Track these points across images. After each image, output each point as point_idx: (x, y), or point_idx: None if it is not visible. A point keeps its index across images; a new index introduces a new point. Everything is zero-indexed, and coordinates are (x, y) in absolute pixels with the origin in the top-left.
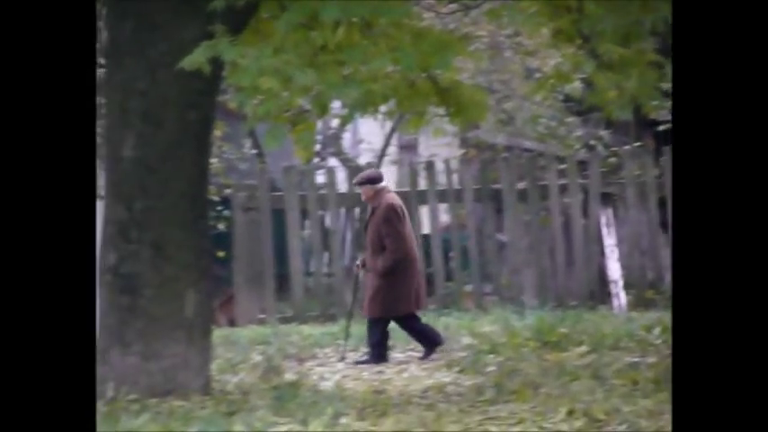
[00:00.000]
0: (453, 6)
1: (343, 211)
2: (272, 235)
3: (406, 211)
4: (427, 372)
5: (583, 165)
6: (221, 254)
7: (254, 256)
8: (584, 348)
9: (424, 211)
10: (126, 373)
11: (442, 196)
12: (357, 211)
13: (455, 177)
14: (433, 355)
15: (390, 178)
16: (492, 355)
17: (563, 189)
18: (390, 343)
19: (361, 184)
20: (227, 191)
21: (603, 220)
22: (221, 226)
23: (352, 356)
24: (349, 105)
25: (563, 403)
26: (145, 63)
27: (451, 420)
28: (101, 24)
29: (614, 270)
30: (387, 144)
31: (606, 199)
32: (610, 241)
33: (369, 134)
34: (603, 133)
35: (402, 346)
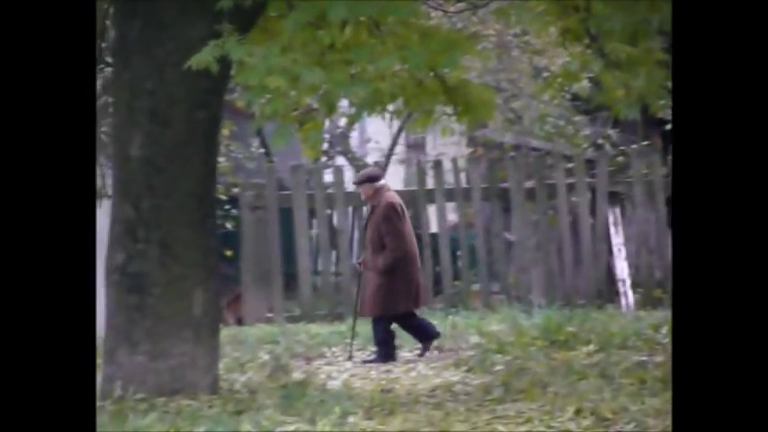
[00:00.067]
0: (461, 5)
1: (350, 210)
2: (279, 234)
3: (405, 210)
4: (435, 371)
5: (590, 164)
6: (229, 253)
7: (262, 255)
8: (591, 347)
9: (432, 210)
10: (134, 372)
11: (450, 195)
12: (365, 210)
13: (463, 176)
14: (439, 353)
15: (398, 177)
16: (500, 354)
17: (571, 188)
18: (397, 342)
19: (360, 182)
20: (235, 190)
21: (611, 218)
22: (229, 225)
23: (359, 355)
24: (356, 104)
25: (571, 402)
26: (152, 62)
27: (459, 419)
28: (108, 23)
29: (622, 269)
30: (394, 143)
31: (614, 198)
32: (617, 240)
33: (376, 133)
34: (611, 132)
35: (410, 345)
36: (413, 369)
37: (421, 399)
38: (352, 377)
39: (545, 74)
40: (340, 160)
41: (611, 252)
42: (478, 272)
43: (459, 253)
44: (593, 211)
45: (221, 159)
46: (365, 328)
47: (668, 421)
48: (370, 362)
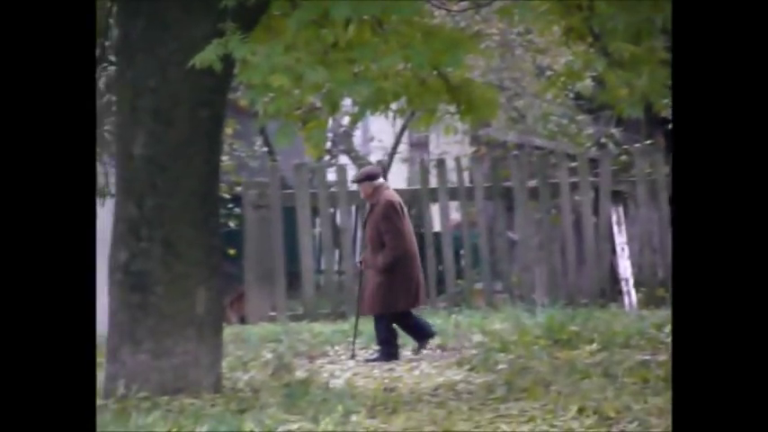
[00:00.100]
0: (464, 4)
1: (353, 208)
2: (282, 233)
3: (404, 208)
4: (438, 369)
5: (594, 163)
6: (232, 251)
7: (265, 253)
8: (594, 346)
9: (435, 209)
10: (137, 370)
11: (453, 194)
12: (367, 208)
13: (466, 175)
14: (442, 352)
15: (401, 176)
16: (503, 353)
17: (574, 187)
18: (400, 341)
19: (359, 181)
20: (238, 188)
21: (614, 218)
22: (232, 224)
23: (362, 354)
24: (360, 103)
25: (574, 401)
26: (156, 61)
27: (462, 418)
28: (112, 22)
29: (625, 268)
30: (397, 142)
31: (617, 197)
32: (620, 239)
33: (379, 132)
34: (614, 131)
35: (412, 344)
36: (416, 368)
37: (424, 397)
38: (354, 376)
39: (548, 73)
40: (343, 159)
41: (614, 251)
42: (481, 271)
43: (462, 252)
44: (596, 210)
45: (224, 158)
46: (368, 326)
47: (671, 420)
48: (373, 360)
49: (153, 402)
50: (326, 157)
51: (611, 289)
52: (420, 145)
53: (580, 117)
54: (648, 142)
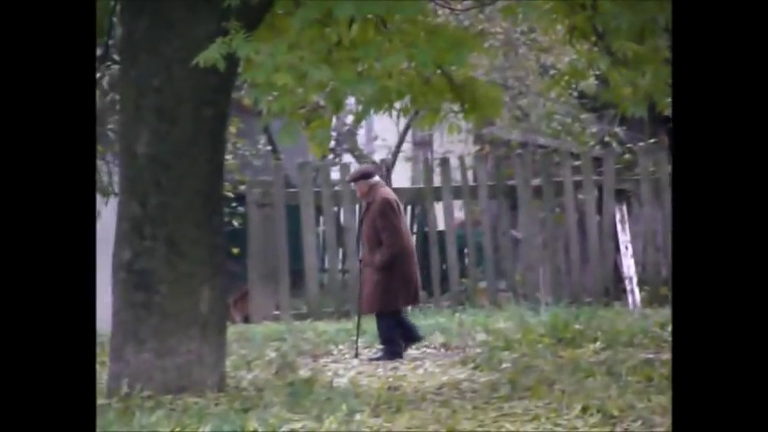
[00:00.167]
0: (468, 3)
1: (357, 207)
2: (286, 231)
3: (401, 206)
4: (442, 368)
5: (597, 161)
6: (236, 250)
7: (269, 252)
8: (598, 345)
9: (439, 208)
10: (140, 369)
11: (457, 193)
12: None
13: (470, 174)
14: (446, 351)
15: (405, 175)
16: (507, 352)
17: (577, 186)
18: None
19: (355, 180)
20: (242, 187)
21: (618, 216)
22: (236, 222)
23: (366, 353)
24: (363, 102)
25: (577, 400)
26: (160, 60)
27: (466, 417)
28: (115, 21)
29: (629, 267)
30: (401, 141)
31: (621, 195)
32: (624, 238)
33: (383, 131)
34: (618, 130)
35: (417, 342)
36: (420, 366)
37: (428, 396)
38: (358, 375)
39: (552, 71)
40: (347, 158)
41: (617, 250)
42: (485, 269)
43: (466, 250)
44: (599, 209)
45: (228, 157)
46: (371, 325)
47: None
48: (377, 359)
49: (156, 401)
50: (330, 156)
51: (614, 287)
52: (424, 144)
53: (584, 116)
54: (652, 141)
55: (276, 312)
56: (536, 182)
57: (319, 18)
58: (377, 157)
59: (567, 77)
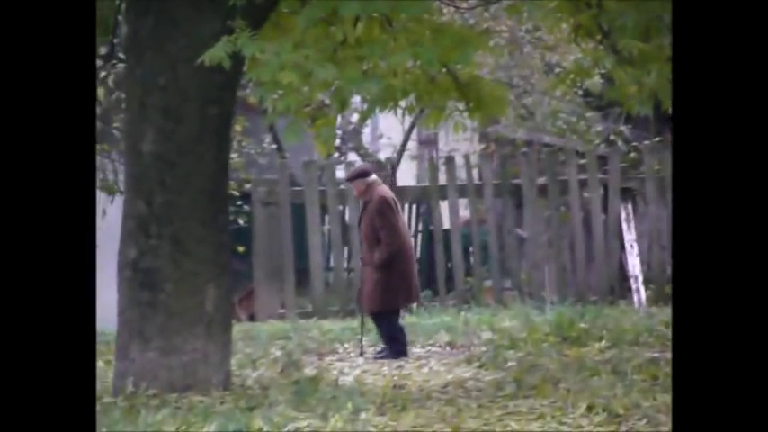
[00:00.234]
0: (473, 2)
1: (361, 206)
2: (291, 230)
3: (398, 204)
4: (447, 367)
5: (603, 160)
6: (241, 249)
7: (274, 251)
8: (603, 344)
9: (444, 207)
10: (146, 367)
11: (462, 191)
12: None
13: (475, 172)
14: (451, 349)
15: (410, 173)
16: (512, 351)
17: (583, 184)
18: (409, 338)
19: (352, 179)
20: (247, 186)
21: (623, 215)
22: (241, 221)
23: (371, 351)
24: (369, 100)
25: (583, 398)
26: (165, 58)
27: (471, 415)
28: (121, 19)
29: (634, 265)
30: (406, 139)
31: (626, 194)
32: (629, 236)
33: (388, 129)
34: (623, 128)
35: (422, 341)
36: (425, 365)
37: (433, 395)
38: (364, 373)
39: (557, 70)
40: (352, 156)
41: (623, 248)
42: (491, 268)
43: (471, 249)
44: (605, 208)
45: (233, 155)
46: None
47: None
48: (382, 358)
49: (162, 400)
50: (335, 155)
51: (620, 286)
52: (429, 142)
53: (589, 114)
54: (657, 139)
55: (281, 311)
56: (541, 180)
57: (324, 17)
58: (382, 156)
59: (572, 76)
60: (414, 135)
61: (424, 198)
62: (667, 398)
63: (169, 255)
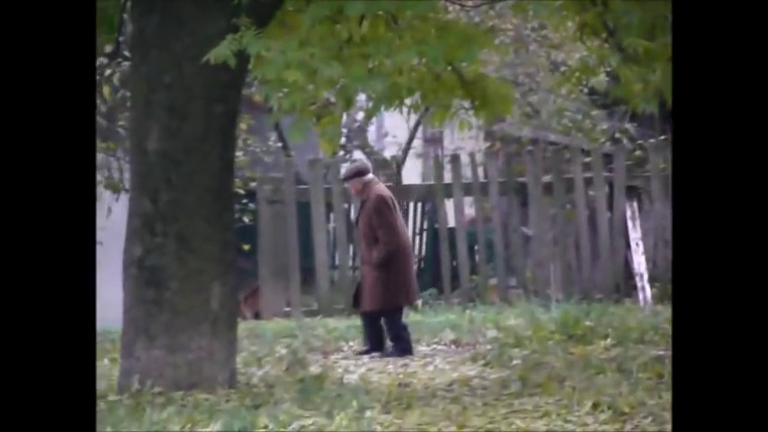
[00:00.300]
0: (479, 0)
1: None
2: (297, 228)
3: (396, 202)
4: (452, 365)
5: (608, 158)
6: (246, 247)
7: (280, 249)
8: (609, 342)
9: (450, 205)
10: (151, 365)
11: (468, 189)
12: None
13: (480, 170)
14: (456, 347)
15: (415, 171)
16: (517, 349)
17: (588, 182)
18: (414, 336)
19: (349, 178)
20: (253, 184)
21: (629, 213)
22: (246, 219)
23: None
24: (374, 98)
25: (588, 397)
26: (170, 56)
27: (477, 414)
28: (126, 17)
29: (639, 263)
30: (412, 137)
31: (631, 192)
32: (635, 234)
33: (394, 127)
34: (629, 126)
35: (427, 339)
36: (430, 363)
37: (438, 393)
38: (369, 371)
39: (563, 68)
40: (357, 154)
41: (628, 246)
42: (496, 266)
43: (476, 247)
44: (610, 206)
45: (239, 153)
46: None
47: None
48: (387, 356)
49: (167, 398)
50: (341, 153)
51: (625, 284)
52: (434, 140)
53: (594, 112)
54: (663, 137)
55: (287, 309)
56: (547, 178)
57: (330, 15)
58: (387, 154)
59: (577, 74)
60: (419, 133)
61: (430, 196)
62: None
63: (174, 253)
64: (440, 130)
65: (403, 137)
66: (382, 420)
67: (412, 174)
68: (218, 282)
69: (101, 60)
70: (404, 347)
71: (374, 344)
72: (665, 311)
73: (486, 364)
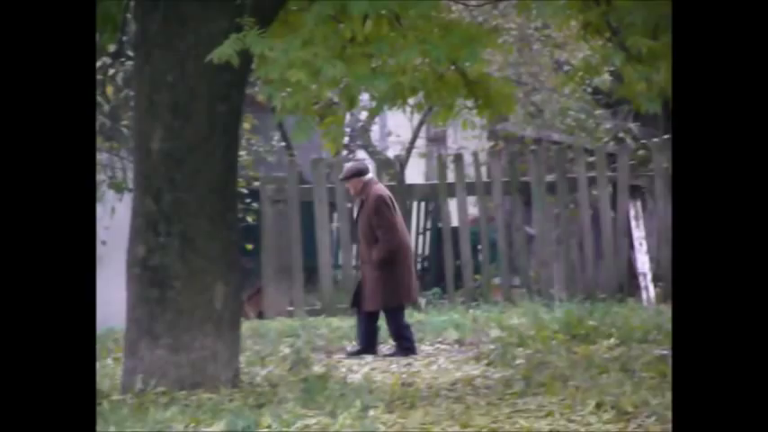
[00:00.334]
0: None
1: None
2: (300, 227)
3: (394, 202)
4: (456, 364)
5: (611, 157)
6: (250, 246)
7: (283, 248)
8: (612, 341)
9: (453, 204)
10: (155, 365)
11: (471, 189)
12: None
13: (484, 170)
14: (460, 347)
15: (419, 171)
16: (520, 348)
17: (591, 181)
18: (417, 335)
19: (347, 178)
20: (256, 183)
21: (632, 212)
22: (250, 218)
23: (380, 349)
24: (377, 98)
25: (592, 396)
26: (174, 56)
27: (480, 413)
28: (129, 17)
29: (643, 263)
30: (415, 137)
31: (635, 191)
32: (638, 234)
33: (397, 127)
34: (632, 125)
35: (431, 338)
36: (433, 363)
37: (442, 392)
38: (372, 371)
39: (566, 67)
40: (361, 154)
41: (632, 246)
42: (499, 266)
43: (479, 247)
44: (614, 205)
45: (242, 153)
46: (383, 322)
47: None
48: (391, 355)
49: (171, 397)
50: (344, 152)
51: (628, 284)
52: (438, 140)
53: (598, 112)
54: (666, 137)
55: (290, 308)
56: (550, 178)
57: (333, 14)
58: (391, 154)
59: (581, 73)
60: (422, 132)
61: (433, 196)
62: None
63: (178, 252)
64: (443, 130)
65: (406, 136)
66: (386, 420)
67: (415, 173)
68: (222, 281)
69: (104, 60)
70: (407, 347)
71: (366, 345)
72: (669, 311)
73: (489, 364)
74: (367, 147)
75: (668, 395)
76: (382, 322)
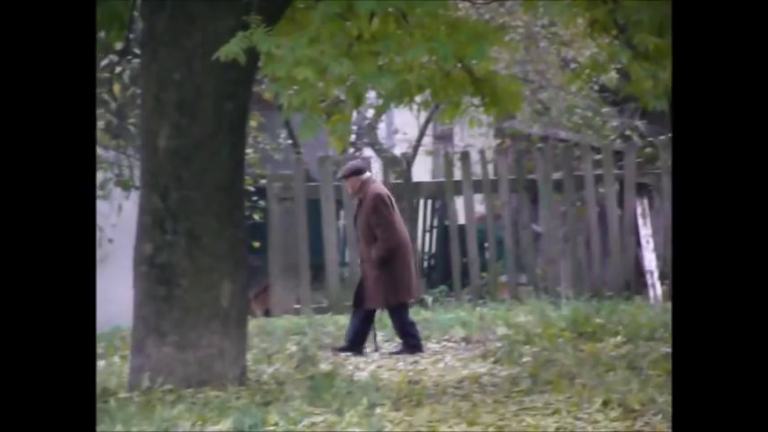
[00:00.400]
0: None
1: None
2: (307, 225)
3: (393, 200)
4: (462, 362)
5: (618, 155)
6: (256, 244)
7: (290, 246)
8: (619, 339)
9: (460, 202)
10: (162, 363)
11: (478, 187)
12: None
13: (490, 168)
14: (466, 345)
15: (425, 169)
16: (527, 346)
17: (598, 179)
18: (423, 333)
19: (346, 176)
20: (263, 181)
21: (639, 210)
22: (256, 216)
23: (386, 347)
24: (384, 95)
25: (598, 394)
26: (180, 54)
27: (487, 411)
28: (136, 15)
29: (650, 260)
30: (422, 134)
31: (642, 189)
32: (645, 232)
33: (404, 124)
34: (639, 123)
35: (437, 336)
36: (440, 360)
37: (448, 390)
38: (379, 368)
39: (573, 65)
40: (367, 152)
41: (639, 243)
42: (506, 263)
43: (486, 244)
44: (620, 203)
45: (249, 151)
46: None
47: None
48: (397, 353)
49: (178, 395)
50: (351, 150)
51: (635, 281)
52: (444, 137)
53: (605, 109)
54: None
55: (297, 306)
56: (557, 175)
57: (340, 12)
58: (397, 151)
59: (587, 71)
60: (429, 130)
61: (440, 193)
62: None
63: (185, 250)
64: (450, 128)
65: (413, 134)
66: (392, 417)
67: (422, 171)
68: (229, 279)
69: (111, 58)
70: (413, 344)
71: (352, 343)
72: None
73: (496, 362)
74: (374, 144)
75: None
76: (387, 320)
